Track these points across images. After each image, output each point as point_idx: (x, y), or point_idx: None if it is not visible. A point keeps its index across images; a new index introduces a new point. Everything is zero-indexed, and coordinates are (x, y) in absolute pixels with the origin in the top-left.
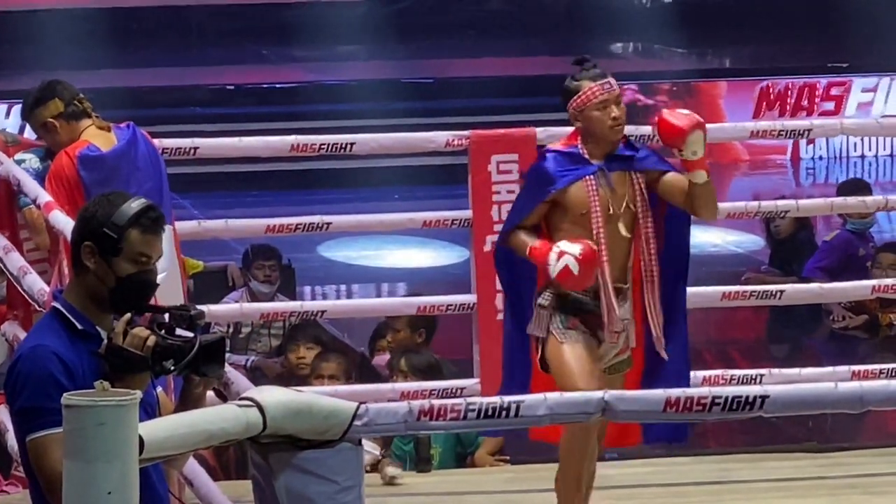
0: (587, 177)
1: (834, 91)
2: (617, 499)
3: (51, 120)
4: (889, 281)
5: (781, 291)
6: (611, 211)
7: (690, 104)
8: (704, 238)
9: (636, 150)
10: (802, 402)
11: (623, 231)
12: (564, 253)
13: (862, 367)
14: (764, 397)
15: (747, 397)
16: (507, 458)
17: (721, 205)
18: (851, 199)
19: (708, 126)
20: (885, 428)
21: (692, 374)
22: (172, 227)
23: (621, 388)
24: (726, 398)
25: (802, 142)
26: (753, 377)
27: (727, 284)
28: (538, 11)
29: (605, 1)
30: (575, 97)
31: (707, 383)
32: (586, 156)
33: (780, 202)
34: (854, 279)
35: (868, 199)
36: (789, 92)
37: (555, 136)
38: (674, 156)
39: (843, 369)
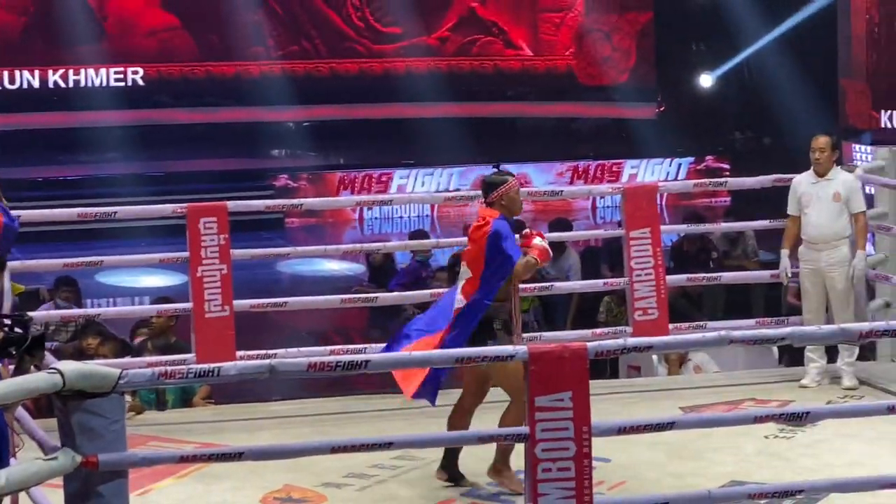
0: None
1: (383, 178)
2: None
3: None
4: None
5: (376, 297)
6: None
7: (320, 186)
8: (328, 266)
9: None
10: (386, 364)
11: None
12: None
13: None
14: (367, 361)
15: (358, 361)
16: (213, 400)
17: (338, 246)
18: (414, 242)
19: (334, 199)
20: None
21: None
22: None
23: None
24: (345, 362)
25: (373, 209)
26: (362, 349)
27: (343, 294)
28: (229, 131)
29: (269, 126)
30: (503, 186)
31: (335, 353)
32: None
33: (375, 244)
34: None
35: (425, 241)
36: (356, 179)
37: (242, 207)
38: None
39: None
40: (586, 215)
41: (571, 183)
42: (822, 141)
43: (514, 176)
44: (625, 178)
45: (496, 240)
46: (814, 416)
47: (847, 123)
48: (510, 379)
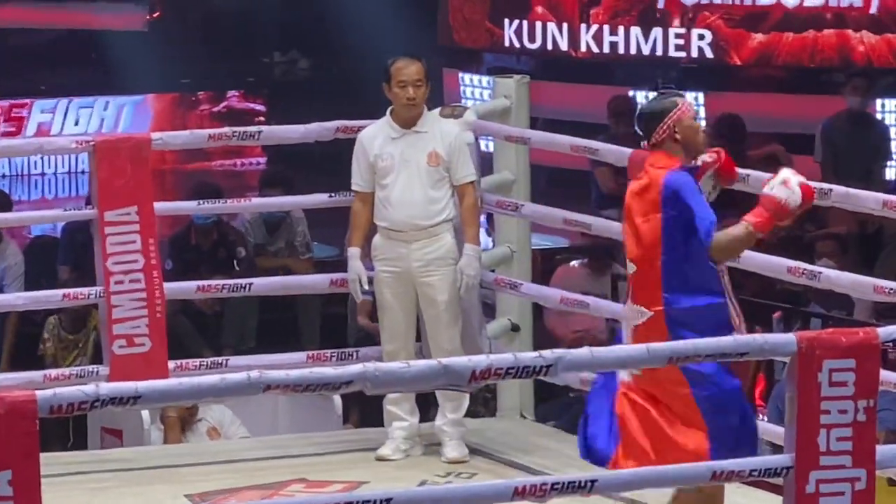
0: None
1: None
2: None
3: None
4: None
5: None
6: None
7: None
8: None
9: None
10: None
11: None
12: (788, 180)
13: None
14: None
15: None
16: None
17: None
18: None
19: None
20: None
21: None
22: None
23: None
24: None
25: None
26: None
27: None
28: None
29: None
30: (673, 112)
31: None
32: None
33: None
34: None
35: None
36: None
37: None
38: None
39: None
40: None
41: None
42: (414, 70)
43: (683, 96)
44: (31, 128)
45: (677, 198)
46: None
47: (451, 41)
48: None
